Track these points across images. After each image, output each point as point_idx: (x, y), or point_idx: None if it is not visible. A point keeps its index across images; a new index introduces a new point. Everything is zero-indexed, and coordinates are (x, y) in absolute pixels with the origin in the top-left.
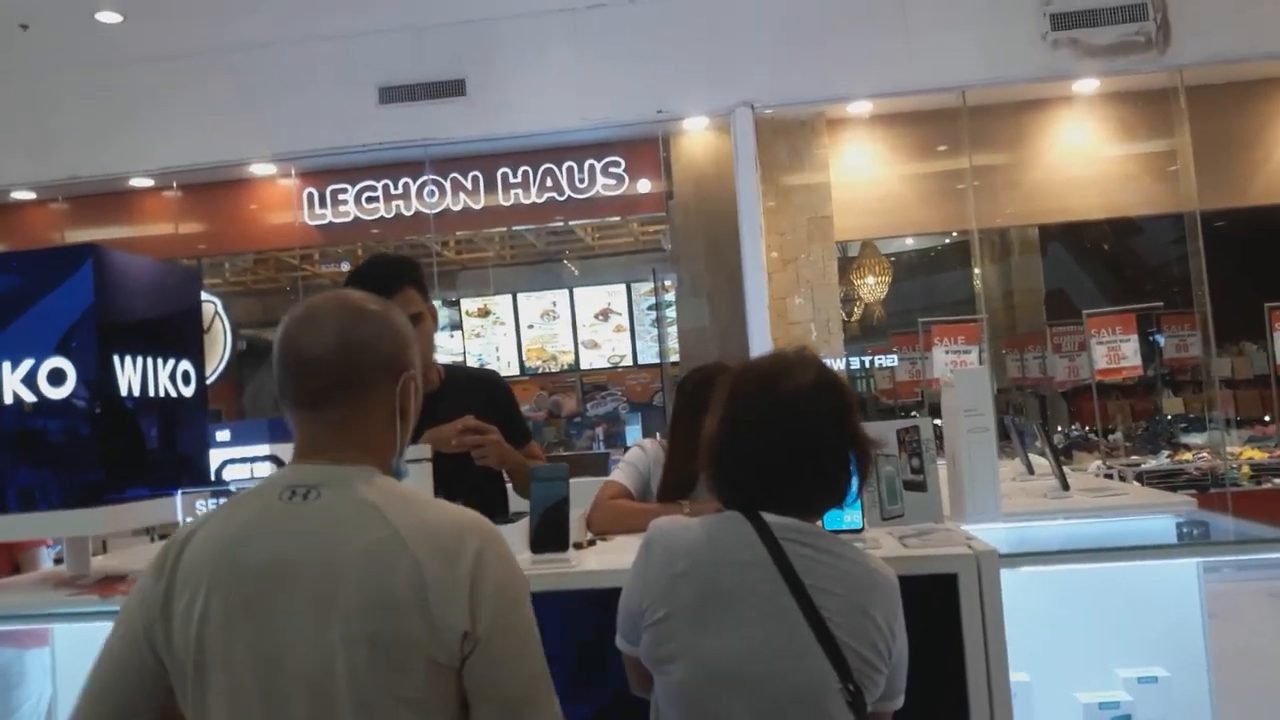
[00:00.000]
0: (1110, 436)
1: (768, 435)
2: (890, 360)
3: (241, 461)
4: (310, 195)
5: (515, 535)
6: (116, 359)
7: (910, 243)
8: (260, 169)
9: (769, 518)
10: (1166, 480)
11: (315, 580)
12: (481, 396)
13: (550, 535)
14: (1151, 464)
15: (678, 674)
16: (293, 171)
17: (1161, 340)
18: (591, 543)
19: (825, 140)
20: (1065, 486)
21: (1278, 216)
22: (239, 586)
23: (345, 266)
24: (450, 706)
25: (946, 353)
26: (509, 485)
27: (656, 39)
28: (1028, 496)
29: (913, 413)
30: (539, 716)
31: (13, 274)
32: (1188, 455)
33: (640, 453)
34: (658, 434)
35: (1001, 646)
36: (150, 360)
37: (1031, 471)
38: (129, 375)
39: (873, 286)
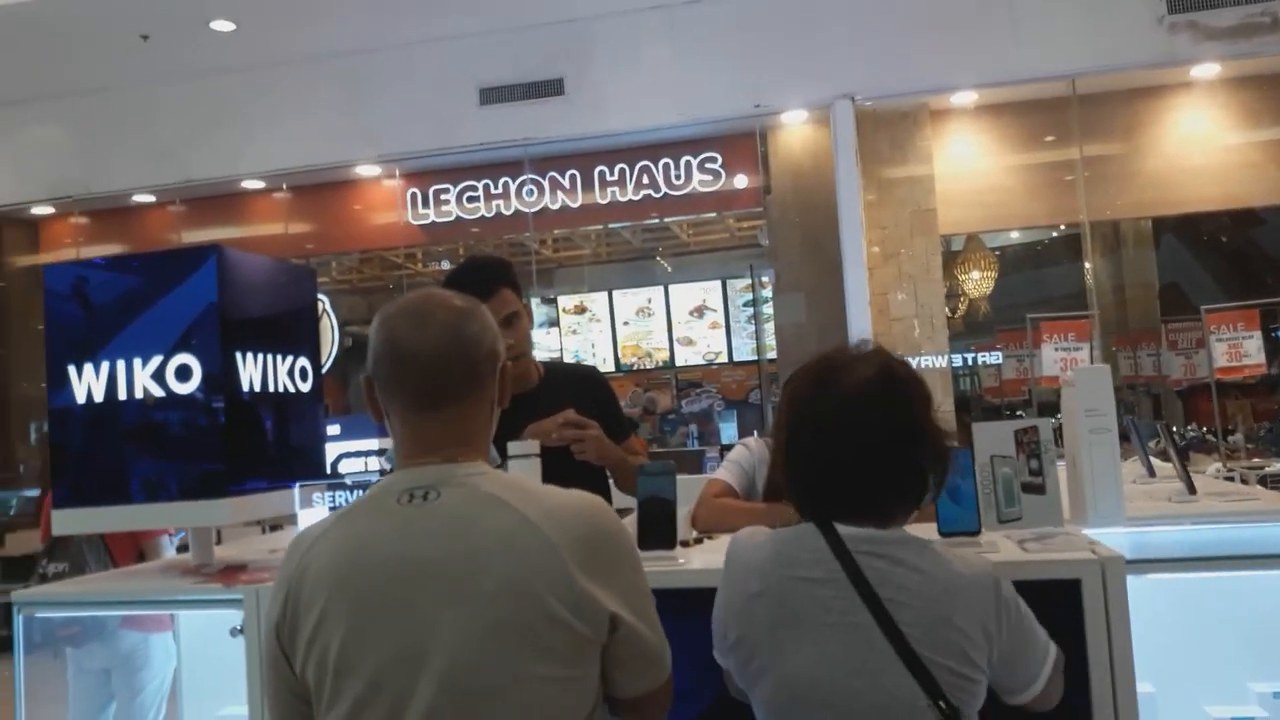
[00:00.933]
0: (1230, 438)
1: (824, 437)
2: (995, 358)
3: (356, 455)
4: (414, 195)
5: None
6: (238, 355)
7: (1016, 236)
8: (365, 170)
9: (842, 529)
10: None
11: (451, 574)
12: (581, 392)
13: (657, 532)
14: (1276, 467)
15: (763, 693)
16: (397, 172)
17: None
18: (698, 541)
19: (928, 132)
20: (1191, 490)
21: None
22: (369, 592)
23: (446, 265)
24: (592, 674)
25: (1056, 350)
26: (611, 482)
27: (753, 33)
28: (1151, 500)
29: (1019, 412)
30: (666, 660)
31: (138, 274)
32: None
33: (745, 451)
34: (755, 432)
35: (1127, 656)
36: (270, 356)
37: (1153, 474)
38: (250, 371)
39: (978, 281)
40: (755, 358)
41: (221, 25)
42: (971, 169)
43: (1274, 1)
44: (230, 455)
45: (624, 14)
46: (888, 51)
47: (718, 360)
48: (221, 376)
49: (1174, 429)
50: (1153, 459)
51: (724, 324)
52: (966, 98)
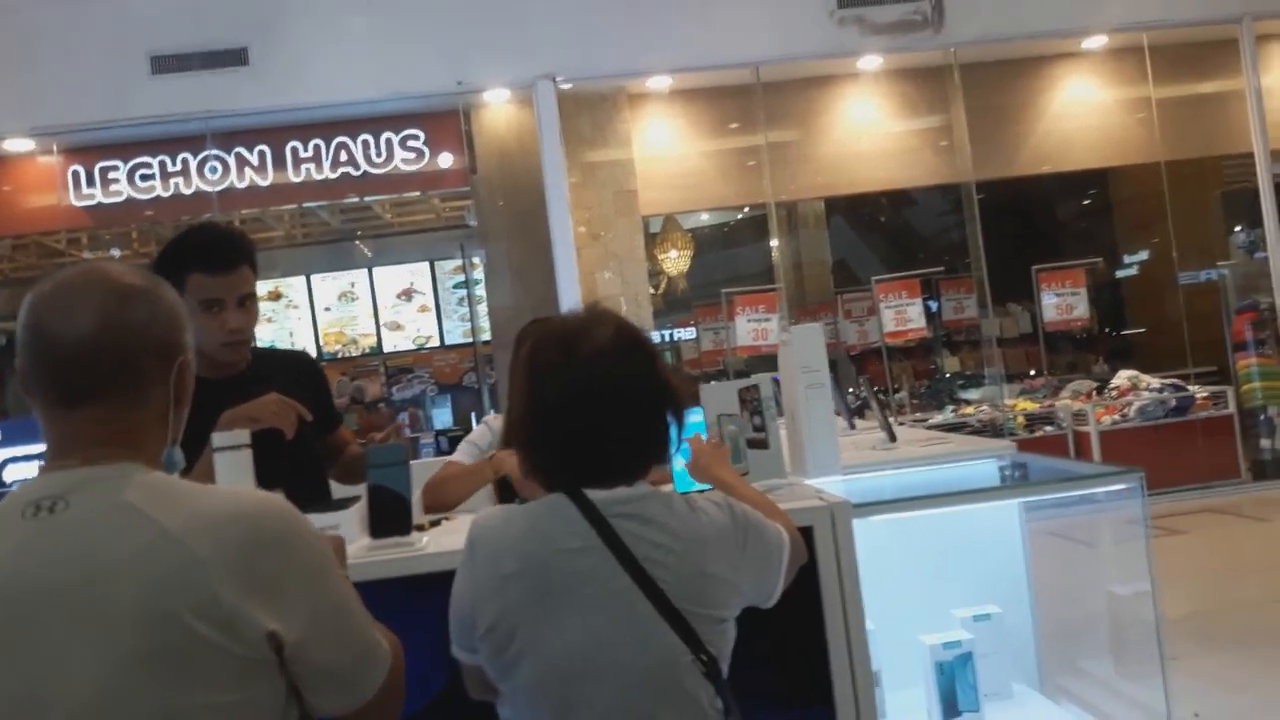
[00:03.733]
0: (896, 395)
1: (578, 403)
2: (690, 333)
3: (25, 460)
4: (76, 174)
5: (352, 520)
6: None
7: (708, 217)
8: (16, 144)
9: (594, 494)
10: (952, 433)
11: (76, 602)
12: (297, 380)
13: (391, 519)
14: (938, 419)
15: (523, 678)
16: (55, 147)
17: (937, 305)
18: (435, 523)
19: (627, 115)
20: (893, 438)
21: (1043, 186)
22: None
23: (116, 252)
24: (268, 694)
25: (748, 321)
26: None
27: (455, 7)
28: (858, 450)
29: (714, 381)
30: (374, 675)
31: None
32: (969, 409)
33: (485, 430)
34: (474, 415)
35: (857, 595)
36: None
37: (853, 427)
38: None
39: (675, 260)
40: (470, 340)
41: None
42: (668, 152)
43: (924, 1)
44: None
45: None
46: (587, 33)
47: (429, 344)
48: None
49: (849, 389)
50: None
51: (434, 307)
52: (661, 83)
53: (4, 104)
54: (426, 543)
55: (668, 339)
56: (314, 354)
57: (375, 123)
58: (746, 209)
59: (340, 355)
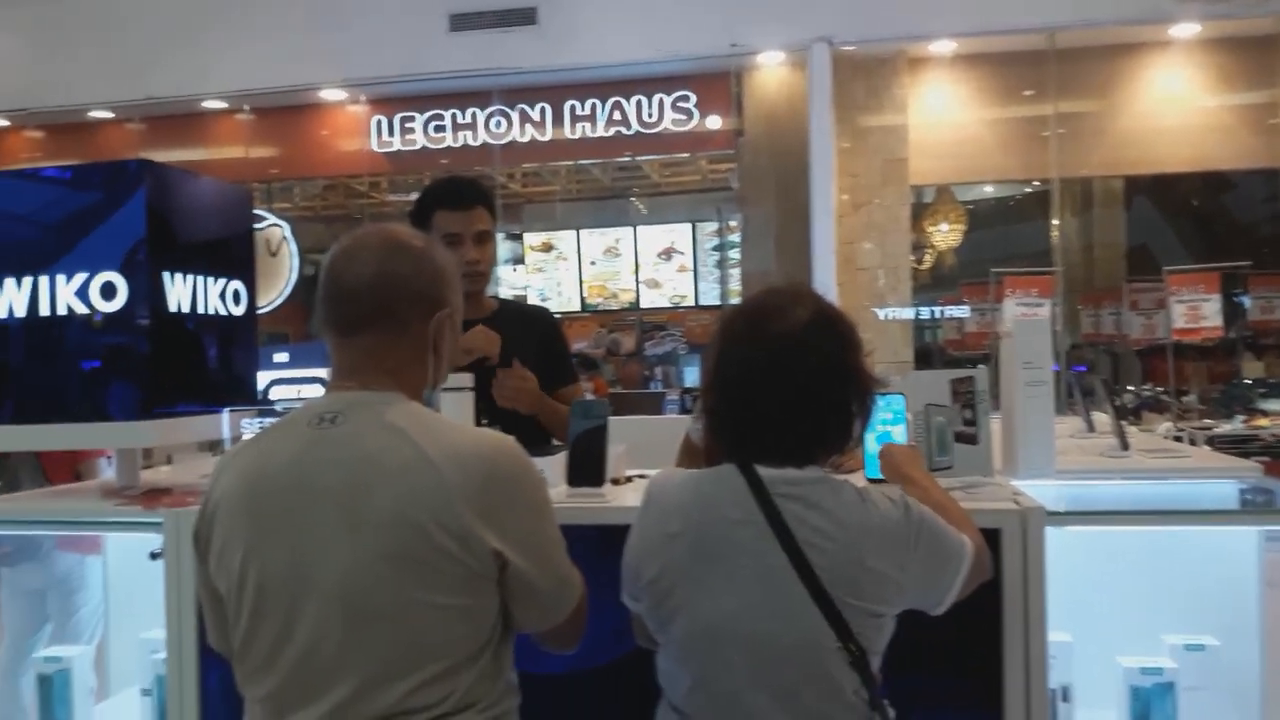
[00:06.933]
0: (1184, 399)
1: (758, 380)
2: (962, 311)
3: (290, 383)
4: (379, 122)
5: (554, 467)
6: (166, 274)
7: (990, 190)
8: (330, 94)
9: (763, 471)
10: (1238, 446)
11: (343, 501)
12: (533, 333)
13: (587, 470)
14: (1224, 428)
15: (676, 633)
16: (362, 98)
17: (1248, 301)
18: (629, 480)
19: (905, 80)
20: (1125, 446)
21: None
22: (267, 512)
23: (414, 197)
24: (486, 605)
25: (1017, 305)
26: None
27: None
28: (1084, 454)
29: (980, 365)
30: (569, 601)
31: (67, 186)
32: (1264, 421)
33: None
34: None
35: (1041, 606)
36: (201, 278)
37: (1092, 429)
38: (179, 292)
39: (946, 234)
40: (720, 303)
41: None
42: (946, 120)
43: None
44: (157, 376)
45: None
46: None
47: (683, 304)
48: (148, 295)
49: (1129, 387)
50: (1098, 415)
51: (692, 267)
52: (945, 47)
53: (320, 57)
54: (617, 496)
55: (929, 316)
56: (578, 305)
57: (648, 84)
58: (1035, 183)
59: (600, 308)
